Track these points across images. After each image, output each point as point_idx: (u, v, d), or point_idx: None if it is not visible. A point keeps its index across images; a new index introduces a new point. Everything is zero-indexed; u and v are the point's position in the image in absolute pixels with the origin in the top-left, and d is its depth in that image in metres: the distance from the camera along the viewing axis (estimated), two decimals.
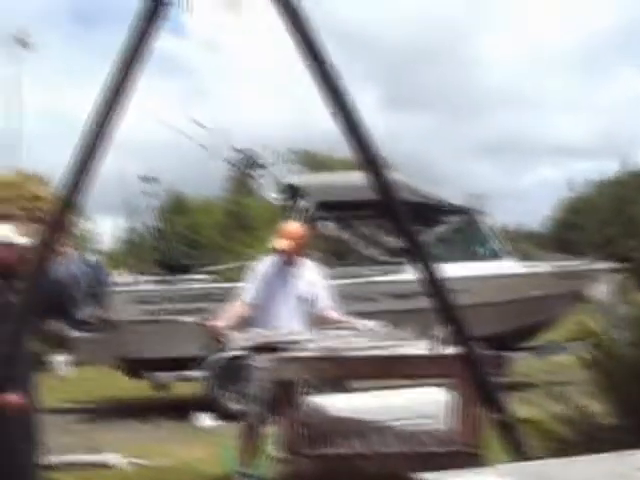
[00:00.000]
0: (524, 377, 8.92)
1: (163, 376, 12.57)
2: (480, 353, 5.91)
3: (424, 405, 7.55)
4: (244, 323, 7.45)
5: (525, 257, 15.73)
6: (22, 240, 6.73)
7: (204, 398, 12.40)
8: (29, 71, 76.11)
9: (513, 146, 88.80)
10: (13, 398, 6.09)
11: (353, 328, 7.08)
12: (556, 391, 5.51)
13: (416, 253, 5.65)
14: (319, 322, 7.63)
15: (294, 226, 8.42)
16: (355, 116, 5.25)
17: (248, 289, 7.60)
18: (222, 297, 11.91)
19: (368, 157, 5.29)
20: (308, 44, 5.12)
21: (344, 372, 6.59)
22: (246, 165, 13.37)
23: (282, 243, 7.61)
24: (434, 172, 65.14)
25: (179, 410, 12.49)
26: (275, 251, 7.69)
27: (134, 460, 8.95)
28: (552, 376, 6.57)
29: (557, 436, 5.56)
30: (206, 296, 12.30)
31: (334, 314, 7.65)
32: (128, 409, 13.48)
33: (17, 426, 6.31)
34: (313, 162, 52.41)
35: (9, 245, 6.58)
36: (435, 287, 5.60)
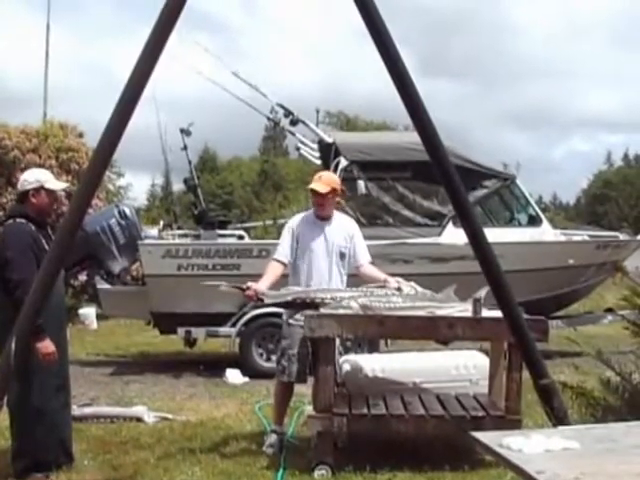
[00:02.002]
0: (562, 345, 8.75)
1: (194, 331, 12.49)
2: (526, 318, 5.77)
3: (464, 368, 7.47)
4: (281, 282, 7.31)
5: (558, 227, 15.55)
6: (54, 186, 6.64)
7: (236, 355, 12.35)
8: (65, 23, 76.52)
9: (545, 117, 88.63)
10: (45, 346, 6.05)
11: (393, 287, 6.94)
12: (604, 358, 5.37)
13: (465, 217, 5.54)
14: (358, 277, 7.49)
15: (329, 174, 8.26)
16: (409, 80, 5.18)
17: (283, 247, 7.40)
18: (254, 253, 11.93)
19: (421, 120, 5.22)
20: (365, 7, 5.04)
21: (384, 331, 6.49)
22: (287, 121, 13.18)
23: (318, 186, 7.36)
24: (467, 140, 64.93)
25: (210, 366, 12.46)
26: (311, 192, 7.45)
27: (163, 414, 8.89)
28: (589, 345, 6.45)
29: (600, 402, 5.43)
30: (239, 252, 12.21)
31: (374, 269, 7.48)
32: (158, 364, 13.47)
33: (48, 374, 6.28)
34: (348, 124, 52.40)
35: (41, 190, 6.48)
36: (482, 251, 5.47)
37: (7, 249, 6.27)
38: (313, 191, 7.40)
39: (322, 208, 7.42)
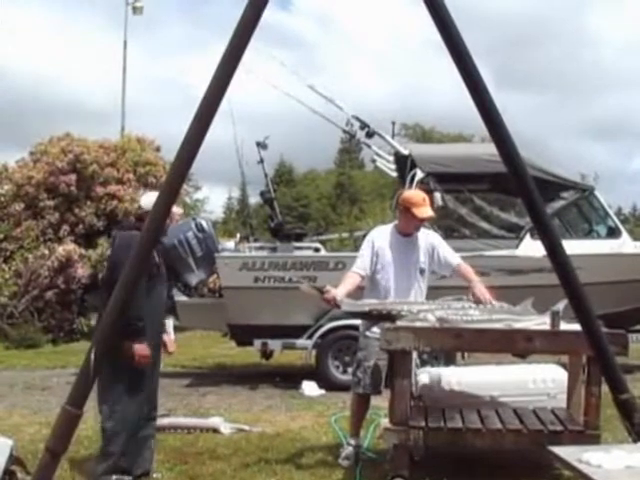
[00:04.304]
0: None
1: (271, 343, 12.54)
2: (605, 331, 5.68)
3: (541, 382, 7.37)
4: (359, 293, 7.28)
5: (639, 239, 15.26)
6: (142, 203, 6.89)
7: (312, 367, 12.37)
8: (140, 40, 77.69)
9: (624, 127, 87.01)
10: (142, 348, 6.33)
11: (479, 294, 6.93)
12: None
13: (543, 229, 5.47)
14: (436, 290, 7.42)
15: (421, 193, 8.09)
16: (486, 92, 5.13)
17: (363, 260, 7.32)
18: (331, 266, 11.93)
19: (499, 132, 5.17)
20: (442, 20, 5.01)
21: (461, 344, 6.43)
22: (363, 134, 13.19)
23: (427, 211, 7.32)
24: (544, 151, 64.13)
25: (286, 378, 12.50)
26: (421, 220, 7.32)
27: (239, 426, 8.93)
28: None
29: None
30: (315, 264, 12.22)
31: (470, 270, 7.38)
32: (235, 375, 13.56)
33: (135, 385, 6.52)
34: (423, 136, 52.22)
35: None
36: (560, 263, 5.39)
37: (114, 253, 6.74)
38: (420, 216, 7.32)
39: (418, 230, 7.41)
